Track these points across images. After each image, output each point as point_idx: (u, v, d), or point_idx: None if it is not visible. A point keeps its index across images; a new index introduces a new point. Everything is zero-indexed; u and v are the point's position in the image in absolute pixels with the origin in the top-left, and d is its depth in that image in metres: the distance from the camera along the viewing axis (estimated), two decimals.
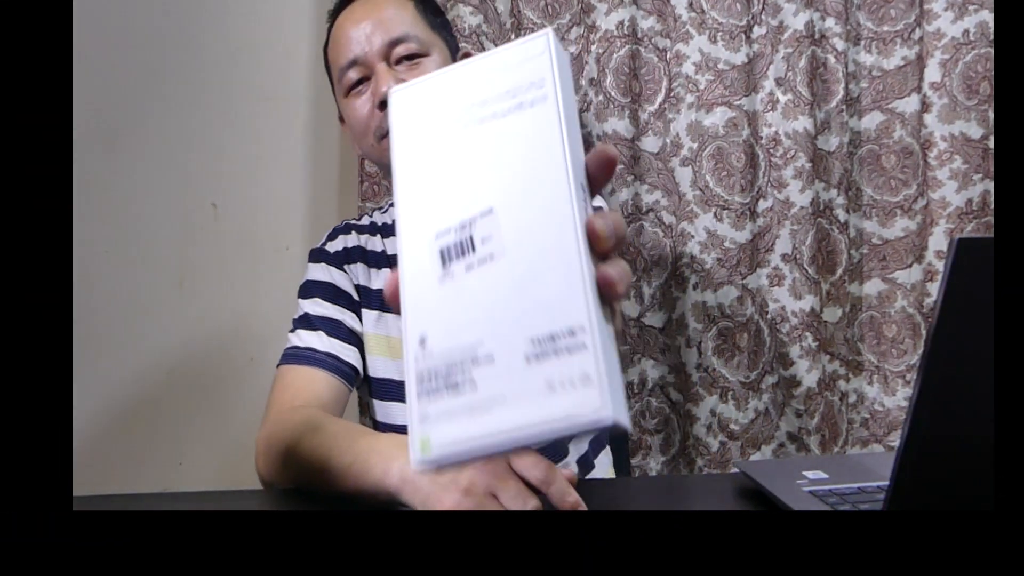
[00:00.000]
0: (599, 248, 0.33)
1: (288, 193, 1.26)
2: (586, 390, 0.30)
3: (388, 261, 0.91)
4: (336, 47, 0.87)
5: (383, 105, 0.82)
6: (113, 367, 1.20)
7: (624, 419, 0.31)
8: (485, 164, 0.36)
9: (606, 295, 0.33)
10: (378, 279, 0.90)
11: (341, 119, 0.94)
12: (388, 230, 0.93)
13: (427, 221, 0.36)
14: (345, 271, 0.90)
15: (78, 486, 0.57)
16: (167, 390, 1.23)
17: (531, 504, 0.52)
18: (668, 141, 1.16)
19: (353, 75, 0.85)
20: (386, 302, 0.36)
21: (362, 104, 0.85)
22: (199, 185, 1.23)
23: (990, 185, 1.13)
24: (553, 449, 0.88)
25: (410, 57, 0.85)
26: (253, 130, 1.25)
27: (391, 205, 0.96)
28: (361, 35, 0.84)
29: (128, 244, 1.21)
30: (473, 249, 0.34)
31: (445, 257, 0.35)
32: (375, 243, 0.92)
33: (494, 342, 0.32)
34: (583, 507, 0.54)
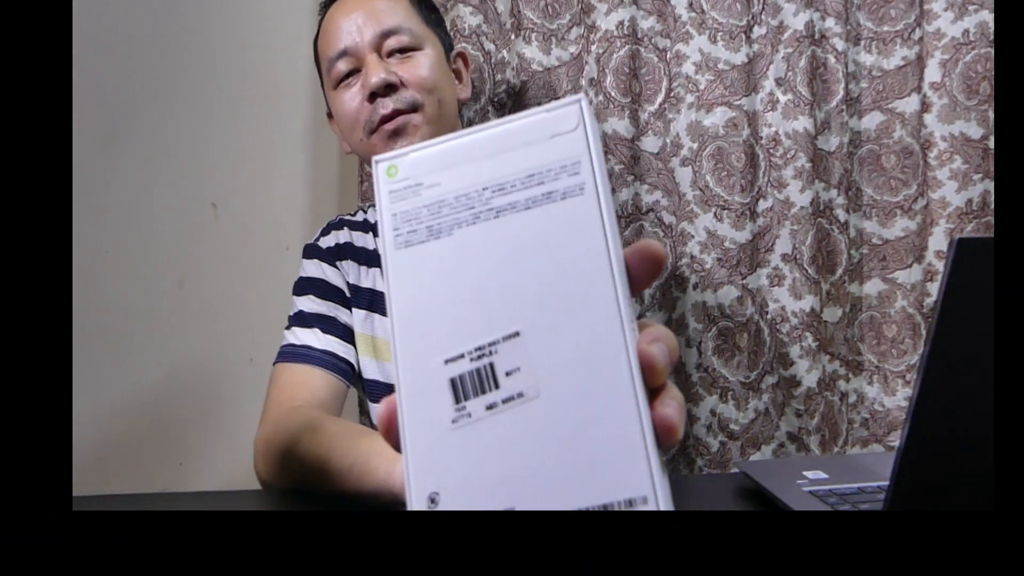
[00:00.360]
0: (653, 383, 0.27)
1: (288, 193, 1.26)
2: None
3: (377, 260, 0.90)
4: (326, 38, 0.86)
5: (373, 97, 0.81)
6: (113, 367, 1.20)
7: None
8: (505, 272, 0.28)
9: (664, 442, 0.27)
10: (367, 277, 0.90)
11: (329, 115, 0.93)
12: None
13: (432, 341, 0.29)
14: (337, 267, 0.90)
15: (78, 486, 0.57)
16: (167, 390, 1.22)
17: None
18: (668, 141, 1.16)
19: (343, 66, 0.83)
20: (382, 436, 0.30)
21: (351, 96, 0.83)
22: (199, 185, 1.23)
23: (990, 185, 1.13)
24: None
25: (402, 50, 0.83)
26: (253, 130, 1.25)
27: None
28: (352, 26, 0.82)
29: (128, 244, 1.21)
30: (496, 384, 0.28)
31: (459, 391, 0.28)
32: (366, 240, 0.92)
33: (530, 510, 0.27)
34: None
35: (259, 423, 0.78)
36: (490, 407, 0.28)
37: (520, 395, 0.27)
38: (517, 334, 0.28)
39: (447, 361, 0.28)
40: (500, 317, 0.28)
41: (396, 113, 0.81)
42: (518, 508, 0.27)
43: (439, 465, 0.28)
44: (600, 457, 0.26)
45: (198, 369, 1.24)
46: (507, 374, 0.28)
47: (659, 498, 0.26)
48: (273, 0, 1.26)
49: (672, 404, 0.27)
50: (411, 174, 0.30)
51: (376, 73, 0.80)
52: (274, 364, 0.84)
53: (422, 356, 0.29)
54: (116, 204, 1.20)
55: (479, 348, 0.28)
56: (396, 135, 0.81)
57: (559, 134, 0.29)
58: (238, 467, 1.22)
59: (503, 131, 0.30)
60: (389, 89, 0.81)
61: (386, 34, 0.82)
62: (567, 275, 0.28)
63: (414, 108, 0.81)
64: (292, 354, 0.83)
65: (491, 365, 0.28)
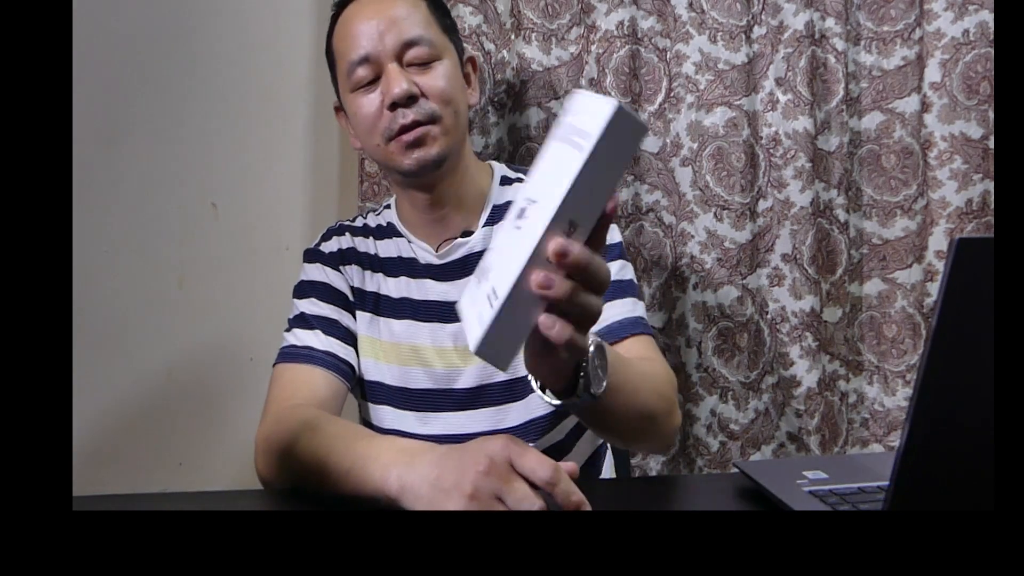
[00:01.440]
0: (560, 264, 0.48)
1: (288, 193, 1.26)
2: (478, 327, 0.49)
3: (381, 264, 0.90)
4: (344, 40, 0.85)
5: (394, 107, 0.81)
6: (113, 367, 1.20)
7: (498, 360, 0.49)
8: (545, 169, 0.51)
9: (541, 296, 0.48)
10: (372, 281, 0.90)
11: (336, 108, 0.92)
12: (381, 232, 0.92)
13: (526, 186, 0.53)
14: (340, 272, 0.90)
15: (78, 486, 0.57)
16: (167, 390, 1.23)
17: (536, 506, 0.52)
18: (668, 141, 1.16)
19: (363, 72, 0.83)
20: None
21: (370, 103, 0.83)
22: (199, 185, 1.23)
23: (990, 185, 1.13)
24: (554, 451, 0.88)
25: (423, 61, 0.83)
26: (253, 130, 1.25)
27: (386, 207, 0.96)
28: (373, 31, 0.82)
29: (128, 244, 1.21)
30: (521, 217, 0.51)
31: (516, 213, 0.52)
32: (368, 245, 0.92)
33: (490, 274, 0.51)
34: (587, 507, 0.53)
35: (260, 421, 0.79)
36: (516, 227, 0.52)
37: (517, 228, 0.51)
38: (534, 202, 0.50)
39: (522, 199, 0.53)
40: (537, 192, 0.50)
41: (415, 124, 0.81)
42: (489, 273, 0.52)
43: (498, 239, 0.55)
44: (506, 270, 0.48)
45: (198, 369, 1.24)
46: (522, 216, 0.51)
47: (503, 301, 0.47)
48: (273, 2, 1.26)
49: (558, 323, 0.49)
50: (566, 107, 0.53)
51: (398, 84, 0.80)
52: (274, 365, 0.84)
53: (522, 191, 0.54)
54: (116, 204, 1.20)
55: (527, 199, 0.51)
56: (415, 145, 0.82)
57: (593, 114, 0.47)
58: (238, 467, 1.23)
59: (583, 97, 0.51)
60: (410, 100, 0.81)
61: (408, 44, 0.82)
62: (552, 185, 0.47)
63: (432, 120, 0.82)
64: (293, 354, 0.83)
65: (524, 209, 0.51)
